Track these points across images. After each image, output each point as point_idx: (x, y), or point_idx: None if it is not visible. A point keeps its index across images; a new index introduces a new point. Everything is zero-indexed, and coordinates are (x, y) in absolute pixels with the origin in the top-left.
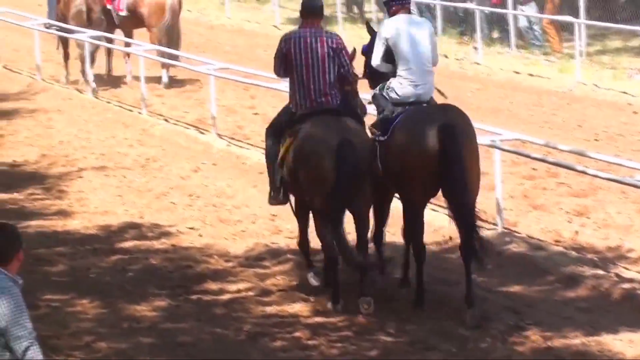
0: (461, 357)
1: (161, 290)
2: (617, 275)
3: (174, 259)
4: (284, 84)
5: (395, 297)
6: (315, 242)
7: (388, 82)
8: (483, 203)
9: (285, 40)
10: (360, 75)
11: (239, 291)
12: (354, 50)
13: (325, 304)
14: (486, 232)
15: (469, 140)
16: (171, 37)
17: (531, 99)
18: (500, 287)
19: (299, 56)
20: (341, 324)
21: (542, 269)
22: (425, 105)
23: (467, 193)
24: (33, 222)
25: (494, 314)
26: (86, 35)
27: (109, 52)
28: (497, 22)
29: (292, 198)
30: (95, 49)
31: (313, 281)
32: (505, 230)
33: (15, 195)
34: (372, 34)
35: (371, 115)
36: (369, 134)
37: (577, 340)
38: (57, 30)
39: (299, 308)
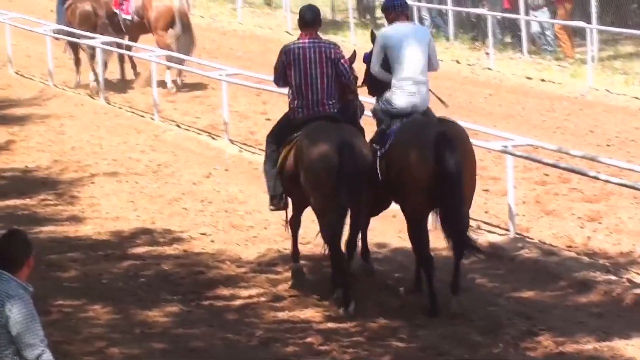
0: None
1: (173, 295)
2: (629, 280)
3: (186, 264)
4: None
5: (407, 303)
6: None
7: (384, 95)
8: (495, 208)
9: (285, 51)
10: (360, 83)
11: (250, 297)
12: (354, 53)
13: (337, 310)
14: (498, 237)
15: (464, 149)
16: (185, 42)
17: (543, 105)
18: (512, 292)
19: (298, 66)
20: (353, 330)
21: (554, 274)
22: (420, 117)
23: (461, 203)
24: (45, 228)
25: (507, 319)
26: (98, 41)
27: (121, 57)
28: (509, 28)
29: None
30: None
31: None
32: (518, 236)
33: (27, 200)
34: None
35: (368, 116)
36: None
37: (589, 345)
38: (66, 35)
39: (311, 314)
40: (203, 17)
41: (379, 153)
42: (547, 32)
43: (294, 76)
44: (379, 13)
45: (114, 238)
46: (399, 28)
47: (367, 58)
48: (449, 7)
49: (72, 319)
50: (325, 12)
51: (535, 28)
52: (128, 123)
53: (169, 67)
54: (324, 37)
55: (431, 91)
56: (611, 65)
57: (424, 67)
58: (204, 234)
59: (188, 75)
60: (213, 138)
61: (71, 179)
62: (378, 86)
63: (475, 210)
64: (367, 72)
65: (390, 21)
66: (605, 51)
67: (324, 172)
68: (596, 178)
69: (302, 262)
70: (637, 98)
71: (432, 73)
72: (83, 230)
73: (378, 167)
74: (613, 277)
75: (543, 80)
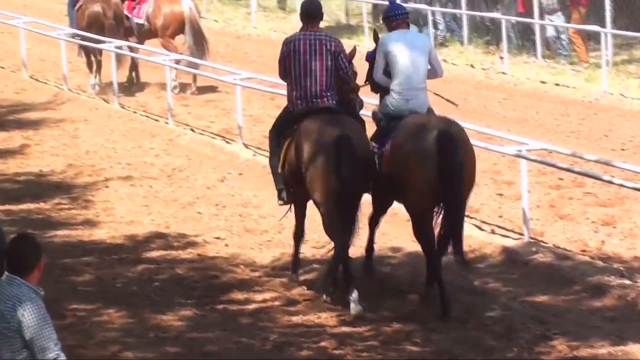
0: None
1: (187, 300)
2: None
3: (200, 268)
4: None
5: (421, 307)
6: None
7: (383, 99)
8: (509, 213)
9: (286, 43)
10: (362, 81)
11: (265, 301)
12: (354, 48)
13: (349, 315)
14: (513, 242)
15: (465, 148)
16: (196, 49)
17: (557, 109)
18: (526, 296)
19: (297, 58)
20: (367, 334)
21: (568, 278)
22: (420, 115)
23: (461, 201)
24: (59, 232)
25: (521, 323)
26: (112, 45)
27: (134, 61)
28: (523, 32)
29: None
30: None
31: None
32: (532, 240)
33: (42, 205)
34: (378, 41)
35: (366, 117)
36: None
37: (603, 350)
38: (79, 39)
39: (325, 318)
40: (217, 21)
41: (379, 152)
42: (562, 36)
43: (294, 67)
44: None
45: (128, 242)
46: (400, 35)
47: (370, 56)
48: (463, 11)
49: (86, 322)
50: (340, 16)
51: (550, 32)
52: (142, 127)
53: (175, 70)
54: None
55: (438, 94)
56: (625, 70)
57: (423, 75)
58: (218, 238)
59: (202, 80)
60: (227, 142)
61: (85, 183)
62: (380, 86)
63: (490, 215)
64: (370, 71)
65: (392, 29)
66: (619, 55)
67: (324, 165)
68: (610, 182)
69: (316, 265)
70: None
71: (447, 77)
72: (97, 234)
73: (378, 166)
74: (627, 282)
75: (557, 85)
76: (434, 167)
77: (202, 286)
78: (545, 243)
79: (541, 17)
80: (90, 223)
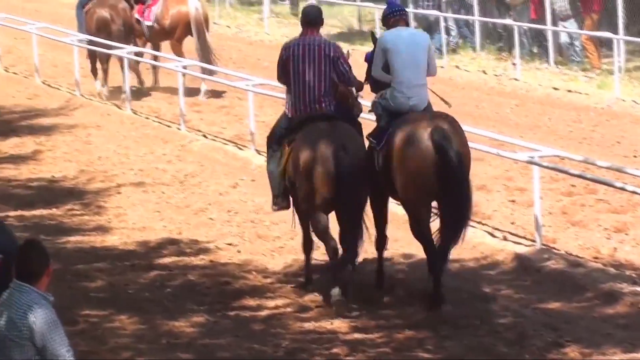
0: None
1: (199, 306)
2: None
3: (212, 275)
4: None
5: (432, 313)
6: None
7: (384, 92)
8: (521, 219)
9: (285, 48)
10: (362, 81)
11: (277, 307)
12: (348, 52)
13: (365, 322)
14: (525, 248)
15: (460, 142)
16: (201, 48)
17: (570, 115)
18: (538, 303)
19: (296, 63)
20: (380, 341)
21: (580, 285)
22: (416, 112)
23: (462, 196)
24: (72, 238)
25: (533, 330)
26: (125, 50)
27: (155, 67)
28: (535, 38)
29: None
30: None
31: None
32: (544, 247)
33: (54, 210)
34: (376, 43)
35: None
36: (367, 143)
37: (616, 357)
38: (88, 44)
39: (337, 324)
40: (230, 27)
41: (377, 148)
42: (575, 43)
43: (292, 73)
44: None
45: (140, 248)
46: (399, 33)
47: (369, 57)
48: (476, 18)
49: (99, 329)
50: (352, 23)
51: (564, 38)
52: (155, 133)
53: (184, 75)
54: (350, 46)
55: (433, 91)
56: (638, 76)
57: (422, 71)
58: (230, 244)
59: (215, 86)
60: (239, 148)
61: (98, 189)
62: (379, 85)
63: (502, 221)
64: (369, 71)
65: (390, 27)
66: (632, 62)
67: (320, 177)
68: (623, 189)
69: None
70: None
71: (459, 83)
72: (109, 240)
73: (376, 162)
74: (639, 289)
75: (570, 91)
76: (429, 163)
77: (214, 292)
78: (558, 250)
79: (554, 23)
80: (102, 229)
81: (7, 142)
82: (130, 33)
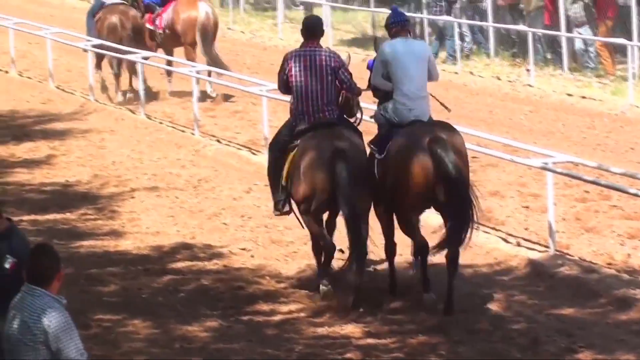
0: None
1: (213, 310)
2: None
3: (226, 279)
4: None
5: (445, 318)
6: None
7: (386, 104)
8: (535, 225)
9: (287, 59)
10: (365, 87)
11: (290, 312)
12: (349, 56)
13: (377, 326)
14: (538, 254)
15: (458, 152)
16: (204, 50)
17: (584, 122)
18: (552, 309)
19: (299, 74)
20: (393, 346)
21: (594, 291)
22: (417, 123)
23: (464, 199)
24: (85, 242)
25: (546, 336)
26: (139, 55)
27: (169, 72)
28: (549, 44)
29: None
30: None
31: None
32: (558, 253)
33: (68, 215)
34: (378, 50)
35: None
36: (368, 150)
37: None
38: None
39: (350, 329)
40: (244, 33)
41: (377, 157)
42: (590, 49)
43: (296, 83)
44: (416, 29)
45: (153, 253)
46: (399, 45)
47: (372, 65)
48: (490, 24)
49: (112, 333)
50: (366, 28)
51: (578, 45)
52: (168, 138)
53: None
54: (364, 53)
55: (433, 96)
56: None
57: (423, 83)
58: (244, 249)
59: (229, 91)
60: (253, 153)
61: (111, 194)
62: (381, 92)
63: (515, 227)
64: (371, 79)
65: (393, 36)
66: None
67: (322, 183)
68: (637, 195)
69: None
70: None
71: (473, 89)
72: (123, 244)
73: (376, 171)
74: None
75: (584, 97)
76: (426, 173)
77: (227, 297)
78: (571, 256)
79: (568, 29)
80: (116, 233)
81: (21, 147)
82: (141, 39)
